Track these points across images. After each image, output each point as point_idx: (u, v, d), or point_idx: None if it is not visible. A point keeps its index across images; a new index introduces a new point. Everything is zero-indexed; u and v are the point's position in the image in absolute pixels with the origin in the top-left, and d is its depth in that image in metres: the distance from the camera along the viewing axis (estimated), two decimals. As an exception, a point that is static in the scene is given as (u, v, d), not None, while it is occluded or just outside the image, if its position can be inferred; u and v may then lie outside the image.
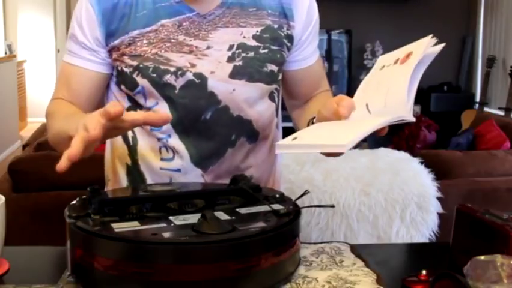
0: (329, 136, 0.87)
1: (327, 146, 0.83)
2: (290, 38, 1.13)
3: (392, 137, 4.37)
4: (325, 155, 0.93)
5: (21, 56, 7.24)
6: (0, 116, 5.50)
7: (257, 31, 1.09)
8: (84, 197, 0.87)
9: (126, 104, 1.12)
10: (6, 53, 6.35)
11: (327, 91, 1.25)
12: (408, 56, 0.88)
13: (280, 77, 1.16)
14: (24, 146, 3.18)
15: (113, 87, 1.14)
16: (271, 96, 1.15)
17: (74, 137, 0.77)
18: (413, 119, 0.84)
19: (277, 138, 1.21)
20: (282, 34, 1.11)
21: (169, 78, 1.06)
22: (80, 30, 1.07)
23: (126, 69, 1.07)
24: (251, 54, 1.08)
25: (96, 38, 1.06)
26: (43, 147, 2.42)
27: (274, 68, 1.12)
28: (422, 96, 5.37)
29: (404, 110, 0.84)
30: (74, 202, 0.86)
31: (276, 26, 1.11)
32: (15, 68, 6.30)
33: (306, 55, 1.18)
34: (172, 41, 1.06)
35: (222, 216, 0.81)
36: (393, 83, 0.88)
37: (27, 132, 5.96)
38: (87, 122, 0.78)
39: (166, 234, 0.74)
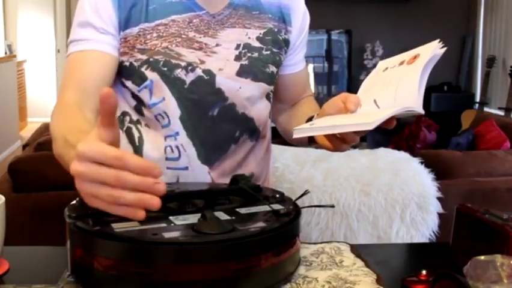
0: (349, 120, 0.88)
1: (351, 125, 0.85)
2: (287, 42, 1.18)
3: (392, 137, 4.37)
4: (330, 144, 0.93)
5: (21, 56, 7.24)
6: (0, 116, 5.50)
7: (260, 33, 1.13)
8: (84, 197, 0.87)
9: (132, 102, 1.12)
10: (6, 53, 6.35)
11: (311, 96, 1.30)
12: (415, 57, 0.91)
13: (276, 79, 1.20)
14: (24, 146, 3.18)
15: (114, 87, 1.12)
16: (267, 97, 1.19)
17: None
18: (423, 112, 0.86)
19: (270, 138, 1.26)
20: (281, 38, 1.16)
21: (179, 72, 1.07)
22: (97, 17, 1.05)
23: (135, 63, 1.07)
24: (255, 54, 1.12)
25: (113, 22, 1.05)
26: (43, 147, 2.42)
27: (274, 69, 1.16)
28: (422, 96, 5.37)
29: (415, 102, 0.86)
30: (74, 202, 0.86)
31: (276, 30, 1.15)
32: (15, 68, 6.30)
33: (298, 60, 1.23)
34: (183, 36, 1.07)
35: (222, 216, 0.81)
36: (402, 79, 0.91)
37: (27, 132, 5.97)
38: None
39: (166, 234, 0.74)
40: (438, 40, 0.92)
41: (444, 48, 0.91)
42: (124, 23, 1.06)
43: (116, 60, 1.08)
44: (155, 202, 0.69)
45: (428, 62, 0.89)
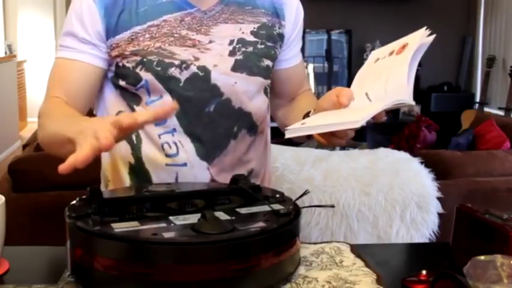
0: (338, 118, 0.89)
1: (339, 124, 0.86)
2: (281, 36, 1.18)
3: (392, 137, 4.37)
4: (324, 140, 0.95)
5: (21, 56, 7.24)
6: (0, 116, 5.50)
7: (254, 27, 1.14)
8: (84, 197, 0.87)
9: (125, 100, 1.13)
10: (6, 53, 6.35)
11: (309, 90, 1.31)
12: (404, 47, 0.92)
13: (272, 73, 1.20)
14: (24, 146, 3.17)
15: (108, 87, 1.13)
16: (265, 92, 1.20)
17: (83, 144, 0.78)
18: (413, 103, 0.87)
19: (268, 134, 1.27)
20: (275, 32, 1.17)
21: (173, 71, 1.07)
22: (81, 26, 1.07)
23: (128, 65, 1.08)
24: (250, 49, 1.12)
25: (98, 32, 1.07)
26: (43, 147, 2.42)
27: (270, 63, 1.17)
28: (422, 96, 5.37)
29: (405, 93, 0.87)
30: (74, 202, 0.86)
31: (270, 24, 1.16)
32: (15, 68, 6.30)
33: (293, 54, 1.24)
34: (175, 35, 1.08)
35: (222, 216, 0.81)
36: (392, 70, 0.91)
37: (27, 132, 5.96)
38: (98, 131, 0.79)
39: (166, 234, 0.74)
40: (425, 28, 0.92)
41: (432, 36, 0.91)
42: (114, 30, 1.07)
43: (99, 70, 1.10)
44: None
45: (417, 51, 0.90)
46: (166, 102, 1.09)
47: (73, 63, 1.08)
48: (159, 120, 0.89)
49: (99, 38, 1.07)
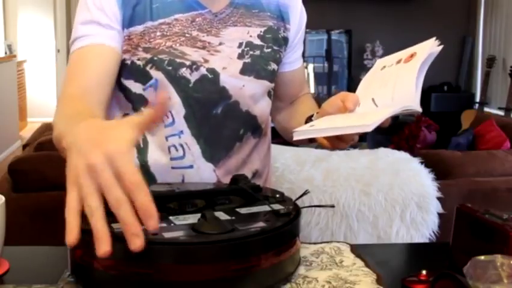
0: (346, 122, 0.89)
1: (350, 127, 0.87)
2: (286, 40, 1.19)
3: (392, 137, 4.37)
4: (329, 143, 0.95)
5: (21, 56, 7.25)
6: (0, 116, 5.50)
7: (261, 31, 1.14)
8: (84, 197, 0.87)
9: (130, 103, 1.12)
10: (6, 53, 6.36)
11: (308, 93, 1.32)
12: (412, 56, 0.92)
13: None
14: (24, 146, 3.18)
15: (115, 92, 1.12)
16: (269, 95, 1.20)
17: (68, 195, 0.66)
18: (420, 110, 0.88)
19: (270, 135, 1.27)
20: (280, 36, 1.17)
21: (184, 71, 1.08)
22: (103, 14, 1.04)
23: (139, 62, 1.07)
24: (257, 52, 1.13)
25: (118, 19, 1.06)
26: (43, 147, 2.42)
27: (275, 67, 1.17)
28: (422, 96, 5.33)
29: (413, 100, 0.87)
30: (74, 202, 0.86)
31: (275, 28, 1.17)
32: (15, 68, 6.31)
33: (295, 58, 1.25)
34: (186, 35, 1.08)
35: (222, 216, 0.81)
36: (400, 78, 0.91)
37: (27, 132, 5.96)
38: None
39: (166, 234, 0.74)
40: (434, 38, 0.92)
41: (441, 46, 0.91)
42: (128, 21, 1.06)
43: (120, 56, 1.07)
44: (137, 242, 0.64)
45: (425, 60, 0.90)
46: (174, 103, 1.07)
47: (92, 47, 1.04)
48: (158, 118, 0.72)
49: (120, 24, 1.06)
